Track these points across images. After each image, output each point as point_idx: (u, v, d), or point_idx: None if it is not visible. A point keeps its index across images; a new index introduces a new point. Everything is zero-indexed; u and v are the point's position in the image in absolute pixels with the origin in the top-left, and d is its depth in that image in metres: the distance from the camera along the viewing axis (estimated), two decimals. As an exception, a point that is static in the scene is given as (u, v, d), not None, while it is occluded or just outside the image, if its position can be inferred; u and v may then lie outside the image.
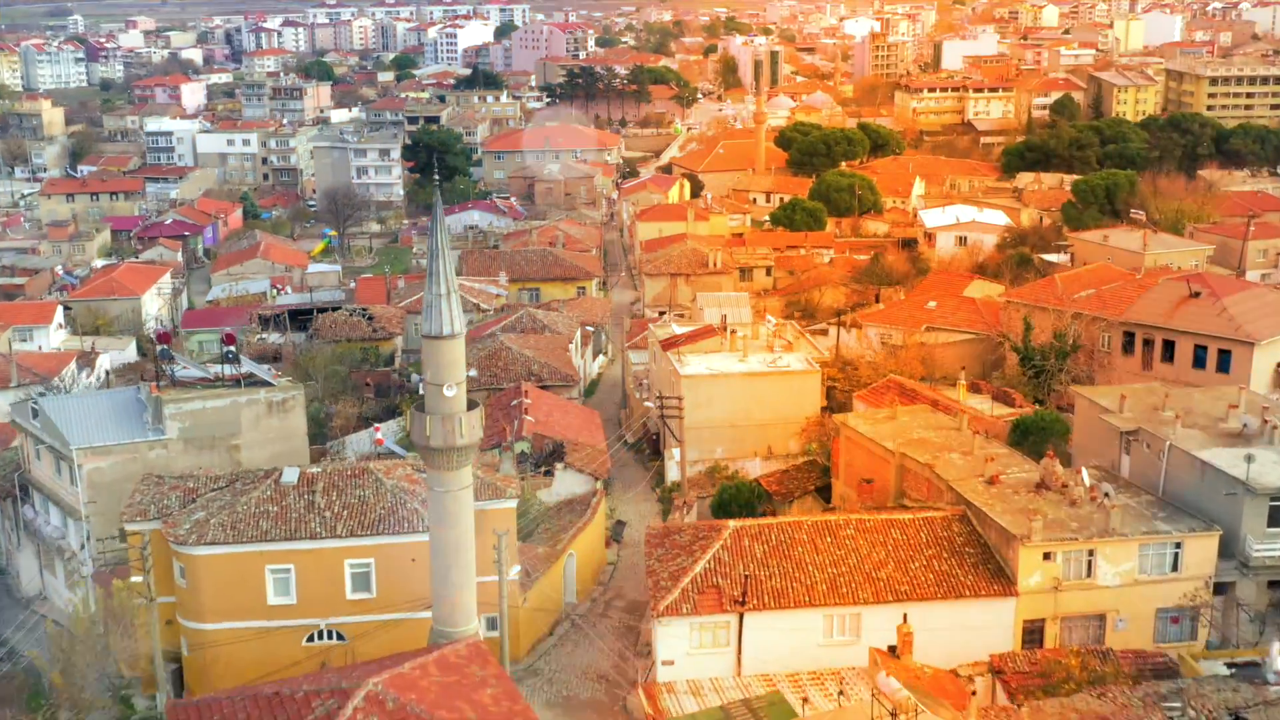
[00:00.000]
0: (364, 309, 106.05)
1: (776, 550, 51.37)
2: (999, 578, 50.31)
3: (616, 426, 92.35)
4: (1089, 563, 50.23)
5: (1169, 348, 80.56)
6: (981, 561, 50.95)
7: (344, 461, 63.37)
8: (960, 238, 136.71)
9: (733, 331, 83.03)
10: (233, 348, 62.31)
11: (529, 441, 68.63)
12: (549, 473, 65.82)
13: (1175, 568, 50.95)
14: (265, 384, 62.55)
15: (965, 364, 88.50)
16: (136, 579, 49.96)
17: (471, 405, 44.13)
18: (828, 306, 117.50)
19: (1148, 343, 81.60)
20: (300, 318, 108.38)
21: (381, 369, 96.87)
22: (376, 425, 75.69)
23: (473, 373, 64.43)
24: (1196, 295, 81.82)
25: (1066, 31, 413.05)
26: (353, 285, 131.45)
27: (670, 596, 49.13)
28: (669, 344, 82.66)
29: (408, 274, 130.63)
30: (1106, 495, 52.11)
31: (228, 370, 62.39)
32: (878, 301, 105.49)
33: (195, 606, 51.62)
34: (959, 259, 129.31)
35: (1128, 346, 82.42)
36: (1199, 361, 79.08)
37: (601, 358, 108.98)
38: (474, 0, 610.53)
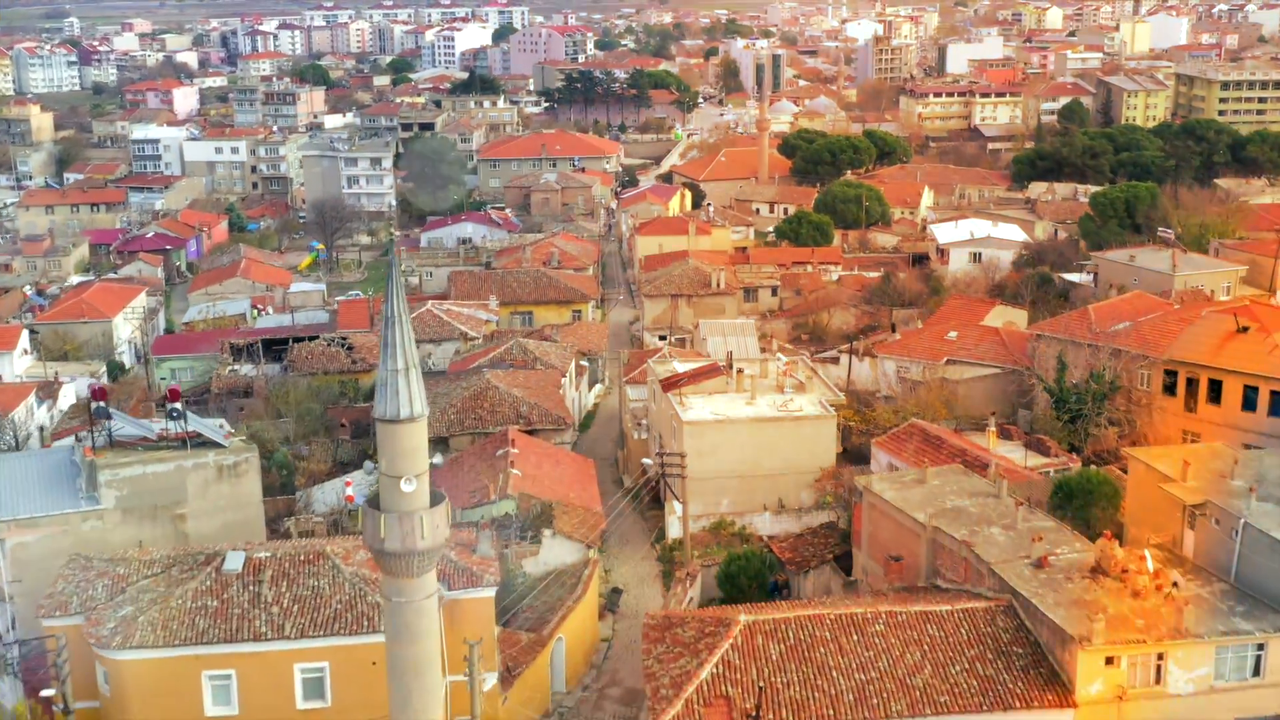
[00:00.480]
0: (343, 338, 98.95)
1: (795, 651, 44.39)
2: (1053, 684, 43.33)
3: (613, 466, 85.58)
4: (1158, 668, 43.32)
5: (1215, 388, 73.86)
6: (1032, 664, 43.97)
7: (300, 539, 56.13)
8: (974, 254, 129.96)
9: (739, 371, 76.08)
10: (178, 404, 55.18)
11: (515, 501, 61.72)
12: (536, 539, 58.82)
13: (1257, 672, 43.98)
14: (215, 445, 55.47)
15: (991, 402, 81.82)
16: (49, 691, 42.96)
17: (436, 499, 37.14)
18: (837, 329, 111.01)
19: (1191, 382, 74.90)
20: (275, 347, 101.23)
21: (360, 405, 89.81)
22: (348, 480, 68.60)
23: (437, 460, 57.43)
24: (1245, 330, 75.18)
25: (1072, 34, 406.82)
26: (335, 306, 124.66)
27: (672, 710, 42.16)
28: (669, 384, 75.73)
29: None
30: (1175, 585, 45.21)
31: (172, 428, 55.35)
32: (894, 330, 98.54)
33: (121, 719, 44.67)
34: (975, 278, 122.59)
35: (1169, 387, 75.65)
36: (1249, 404, 72.41)
37: (598, 386, 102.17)
38: (472, 3, 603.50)
